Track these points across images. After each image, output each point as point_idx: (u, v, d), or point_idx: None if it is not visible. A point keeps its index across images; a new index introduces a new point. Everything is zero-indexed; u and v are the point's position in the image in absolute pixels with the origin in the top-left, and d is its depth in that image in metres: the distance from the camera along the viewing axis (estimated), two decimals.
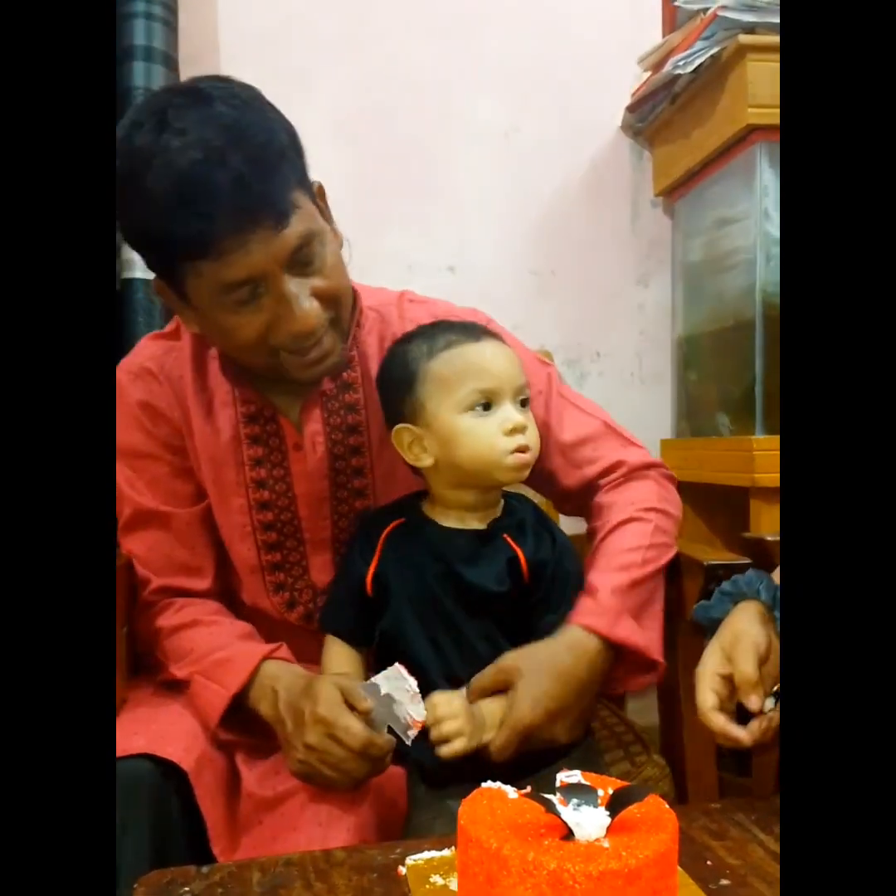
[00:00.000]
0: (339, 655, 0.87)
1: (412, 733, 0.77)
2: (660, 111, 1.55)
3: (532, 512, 0.88)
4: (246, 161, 0.73)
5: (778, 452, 1.28)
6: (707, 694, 0.72)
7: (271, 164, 0.76)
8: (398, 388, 0.84)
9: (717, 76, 1.36)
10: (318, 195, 0.86)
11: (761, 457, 1.29)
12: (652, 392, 1.69)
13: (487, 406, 0.81)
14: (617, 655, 0.84)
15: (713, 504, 1.55)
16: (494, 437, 0.81)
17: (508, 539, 0.84)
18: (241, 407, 0.93)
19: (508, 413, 0.82)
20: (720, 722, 0.71)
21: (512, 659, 0.80)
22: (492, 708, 0.79)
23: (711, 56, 1.34)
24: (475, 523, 0.85)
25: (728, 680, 0.72)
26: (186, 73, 1.45)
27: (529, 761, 0.79)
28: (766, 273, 1.34)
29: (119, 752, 0.75)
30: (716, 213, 1.49)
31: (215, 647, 0.88)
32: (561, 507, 1.07)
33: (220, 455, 0.93)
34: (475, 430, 0.81)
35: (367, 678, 0.82)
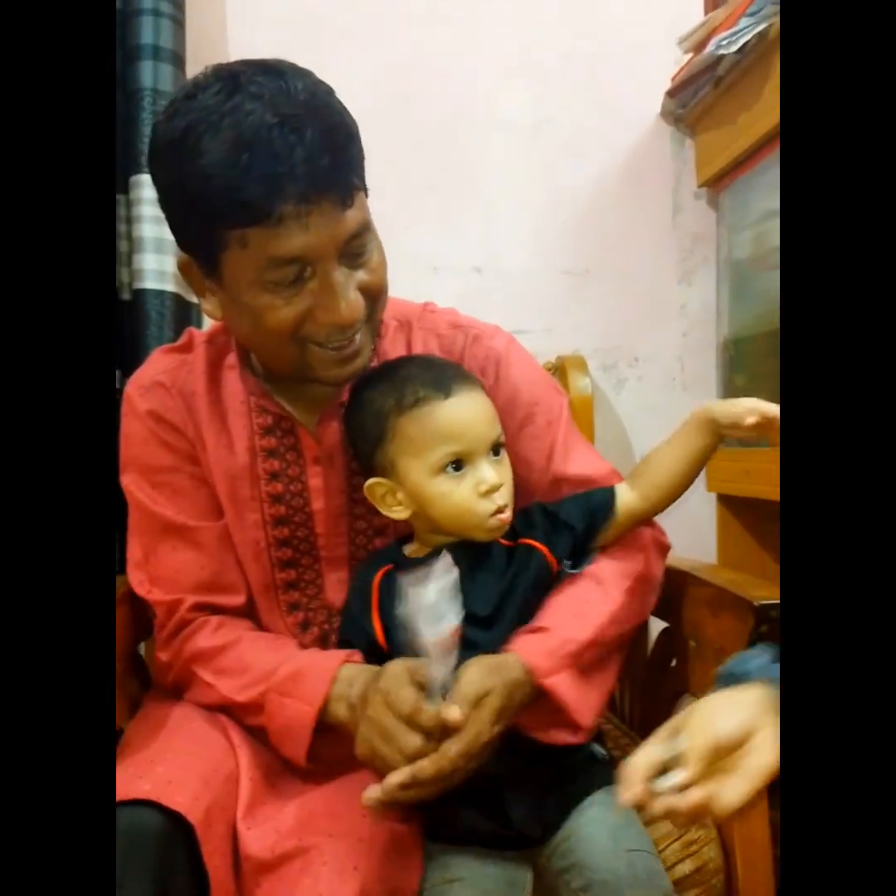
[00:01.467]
0: None
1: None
2: (702, 96, 1.46)
3: (533, 511, 0.89)
4: (319, 134, 0.73)
5: None
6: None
7: (341, 145, 0.75)
8: (367, 439, 0.84)
9: (764, 56, 1.28)
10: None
11: None
12: (695, 399, 1.60)
13: (460, 465, 0.80)
14: (541, 701, 0.80)
15: (763, 520, 1.47)
16: (470, 501, 0.80)
17: (502, 540, 0.84)
18: (257, 418, 0.91)
19: (483, 473, 0.81)
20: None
21: (478, 677, 0.76)
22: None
23: (758, 34, 1.26)
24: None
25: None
26: (195, 71, 1.39)
27: (545, 807, 0.79)
28: None
29: (121, 796, 0.70)
30: (764, 204, 1.39)
31: (278, 662, 0.84)
32: None
33: (234, 468, 0.90)
34: (450, 495, 0.81)
35: None
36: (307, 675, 0.81)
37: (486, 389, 0.89)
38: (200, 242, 0.78)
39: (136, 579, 0.92)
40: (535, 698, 0.80)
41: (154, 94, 1.33)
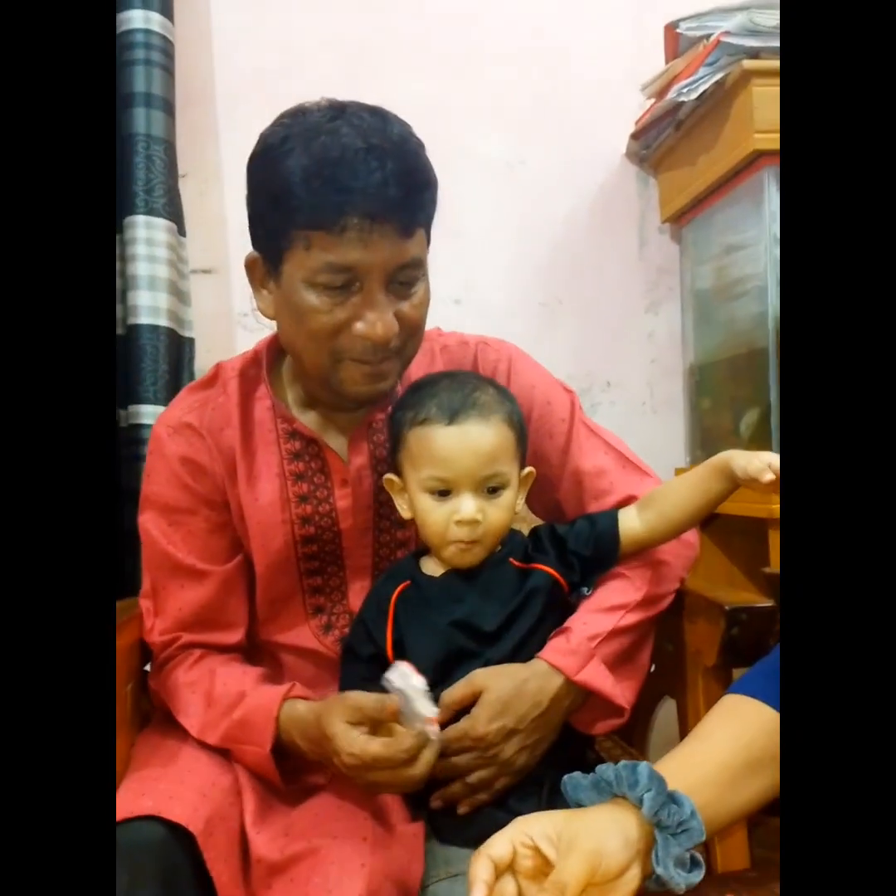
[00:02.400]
0: None
1: (432, 729, 0.76)
2: (664, 138, 1.53)
3: (545, 528, 0.91)
4: (401, 169, 0.80)
5: None
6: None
7: (415, 184, 0.83)
8: (392, 439, 0.89)
9: (721, 102, 1.35)
10: None
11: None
12: (664, 421, 1.66)
13: (445, 492, 0.83)
14: (586, 697, 0.85)
15: (732, 535, 1.52)
16: (444, 525, 0.83)
17: (515, 562, 0.87)
18: (285, 444, 0.95)
19: (463, 505, 0.83)
20: None
21: (482, 675, 0.82)
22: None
23: (715, 82, 1.33)
24: (474, 563, 0.87)
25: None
26: (184, 116, 1.45)
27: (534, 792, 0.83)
28: (778, 299, 1.31)
29: (125, 814, 0.73)
30: (724, 239, 1.46)
31: (233, 703, 0.87)
32: None
33: (265, 495, 0.94)
34: (430, 514, 0.84)
35: None
36: (253, 722, 0.85)
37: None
38: (270, 240, 0.84)
39: (145, 608, 0.96)
40: (579, 697, 0.85)
41: (147, 139, 1.38)
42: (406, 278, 0.84)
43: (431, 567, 0.89)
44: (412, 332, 0.87)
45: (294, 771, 0.86)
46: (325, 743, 0.78)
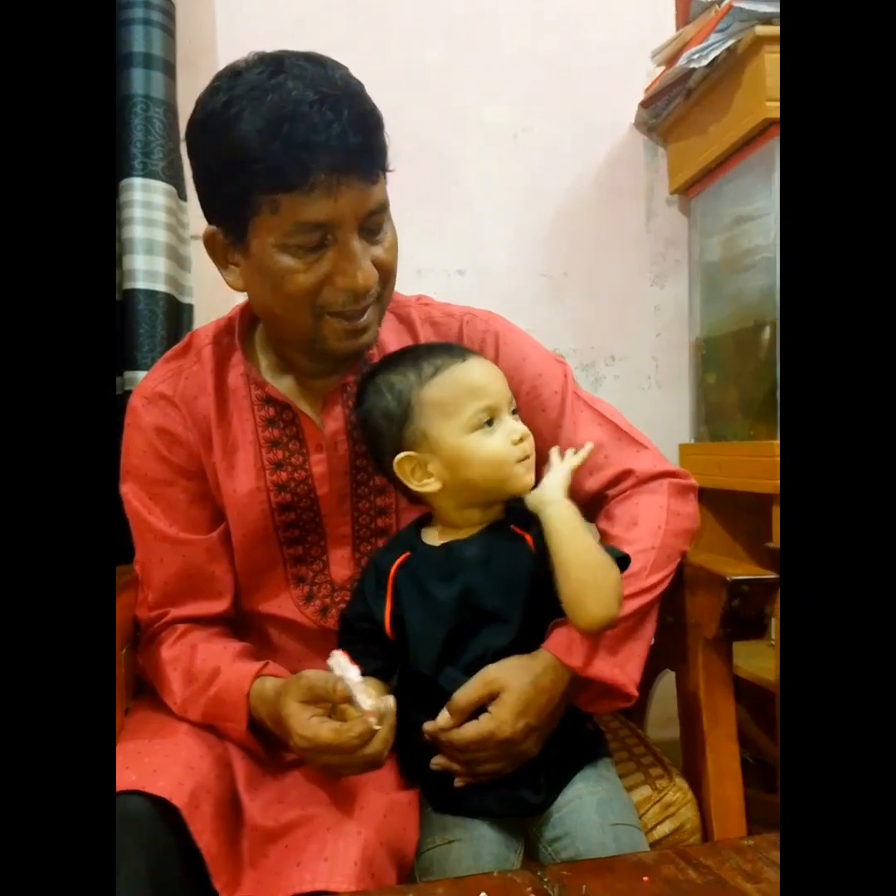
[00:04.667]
0: None
1: (372, 721, 0.74)
2: (674, 106, 1.51)
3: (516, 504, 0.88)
4: (354, 115, 0.78)
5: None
6: None
7: (371, 128, 0.81)
8: (392, 419, 0.83)
9: (733, 69, 1.33)
10: None
11: None
12: (669, 396, 1.65)
13: (491, 422, 0.82)
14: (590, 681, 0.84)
15: (736, 511, 1.51)
16: (505, 450, 0.81)
17: (515, 528, 0.84)
18: (259, 411, 0.94)
19: (512, 424, 0.83)
20: None
21: (496, 671, 0.81)
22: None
23: (727, 49, 1.31)
24: (476, 532, 0.85)
25: None
26: (184, 78, 1.42)
27: (539, 780, 0.82)
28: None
29: None
30: (733, 210, 1.45)
31: (209, 681, 0.87)
32: None
33: (240, 463, 0.93)
34: (485, 447, 0.81)
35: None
36: (226, 700, 0.85)
37: None
38: (231, 210, 0.81)
39: (139, 573, 0.96)
40: (585, 684, 0.83)
41: (145, 101, 1.35)
42: (374, 224, 0.84)
43: (433, 536, 0.87)
44: (387, 276, 0.87)
45: (280, 744, 0.85)
46: (282, 723, 0.78)
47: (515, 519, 0.85)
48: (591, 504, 0.96)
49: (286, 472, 0.93)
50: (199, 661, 0.89)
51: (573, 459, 0.84)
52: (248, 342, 0.97)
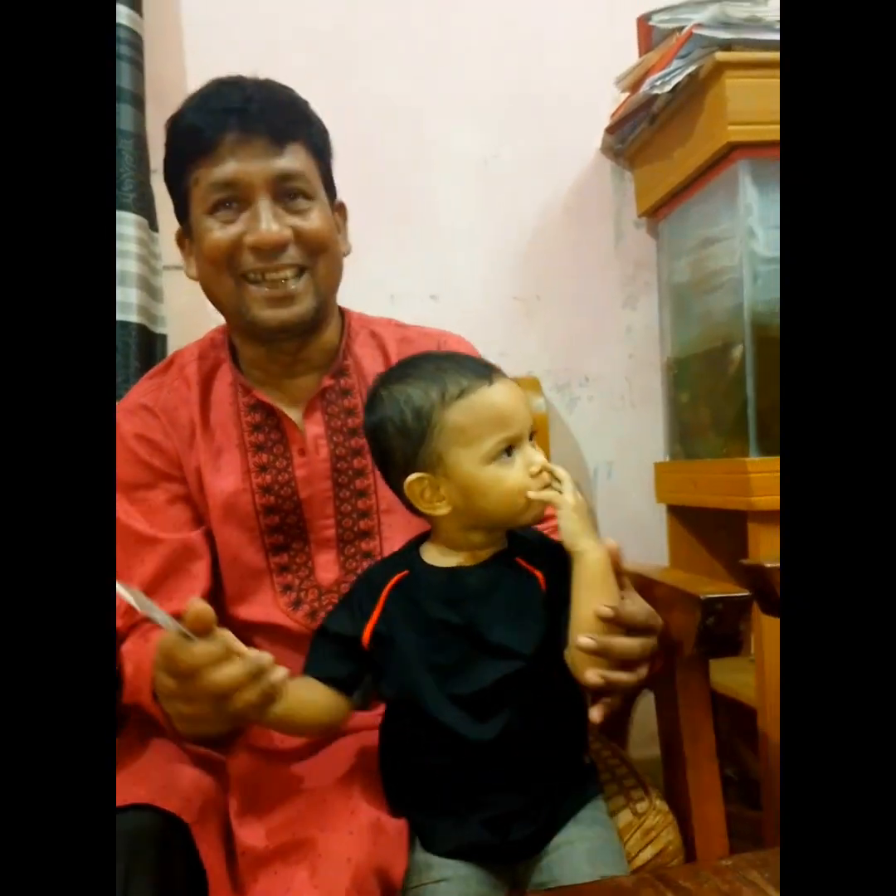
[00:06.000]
0: (315, 687, 0.81)
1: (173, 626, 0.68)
2: (639, 132, 1.54)
3: (536, 536, 0.85)
4: (260, 91, 0.90)
5: (773, 474, 1.25)
6: None
7: (279, 103, 0.91)
8: (407, 437, 0.78)
9: (695, 94, 1.35)
10: (338, 209, 1.00)
11: (757, 479, 1.26)
12: (643, 415, 1.66)
13: (510, 451, 0.78)
14: None
15: (712, 528, 1.53)
16: (523, 482, 0.77)
17: (522, 562, 0.81)
18: (245, 416, 0.97)
19: (531, 455, 0.78)
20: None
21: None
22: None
23: (689, 74, 1.33)
24: (482, 558, 0.82)
25: None
26: (153, 111, 1.43)
27: (537, 823, 0.79)
28: (753, 292, 1.31)
29: (121, 802, 0.72)
30: (700, 232, 1.47)
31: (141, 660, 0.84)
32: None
33: (225, 467, 0.96)
34: (503, 481, 0.77)
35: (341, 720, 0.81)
36: (141, 670, 0.81)
37: None
38: (178, 196, 0.94)
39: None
40: None
41: (117, 134, 1.37)
42: (291, 190, 0.90)
43: (434, 556, 0.83)
44: (316, 250, 0.92)
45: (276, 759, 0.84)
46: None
47: (521, 550, 0.82)
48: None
49: (271, 475, 0.96)
50: (148, 650, 0.84)
51: (568, 482, 0.79)
52: (235, 354, 1.01)
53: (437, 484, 0.78)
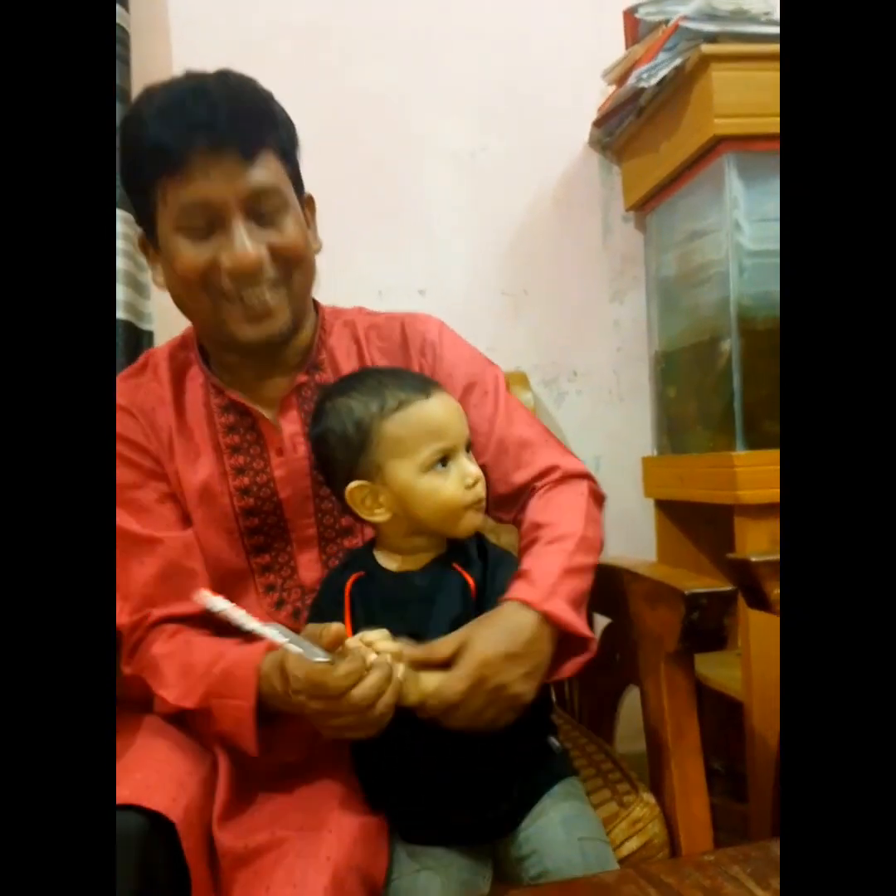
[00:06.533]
0: None
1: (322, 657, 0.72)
2: (626, 125, 1.53)
3: (474, 540, 0.88)
4: (228, 100, 0.84)
5: (760, 468, 1.26)
6: None
7: (252, 114, 0.86)
8: (349, 446, 0.83)
9: (681, 87, 1.35)
10: (306, 204, 0.96)
11: (743, 473, 1.26)
12: (631, 409, 1.66)
13: (444, 461, 0.82)
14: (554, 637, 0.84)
15: (699, 522, 1.53)
16: (458, 494, 0.82)
17: (458, 567, 0.85)
18: (220, 417, 0.96)
19: (466, 467, 0.83)
20: None
21: (462, 631, 0.79)
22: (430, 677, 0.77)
23: (675, 67, 1.33)
24: (425, 562, 0.86)
25: None
26: None
27: (511, 800, 0.81)
28: (739, 286, 1.31)
29: None
30: (687, 226, 1.46)
31: (213, 662, 0.85)
32: (495, 516, 1.06)
33: (203, 469, 0.94)
34: (439, 490, 0.82)
35: None
36: (236, 674, 0.82)
37: (427, 368, 0.97)
38: (141, 208, 0.89)
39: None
40: (551, 639, 0.82)
41: None
42: (268, 208, 0.86)
43: (384, 559, 0.87)
44: (291, 263, 0.89)
45: (268, 746, 0.83)
46: (286, 677, 0.76)
47: (458, 556, 0.86)
48: (518, 496, 0.98)
49: (248, 476, 0.95)
50: (198, 652, 0.87)
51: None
52: (205, 354, 0.99)
53: (376, 492, 0.83)
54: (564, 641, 0.84)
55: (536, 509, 0.95)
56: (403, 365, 0.98)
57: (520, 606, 0.82)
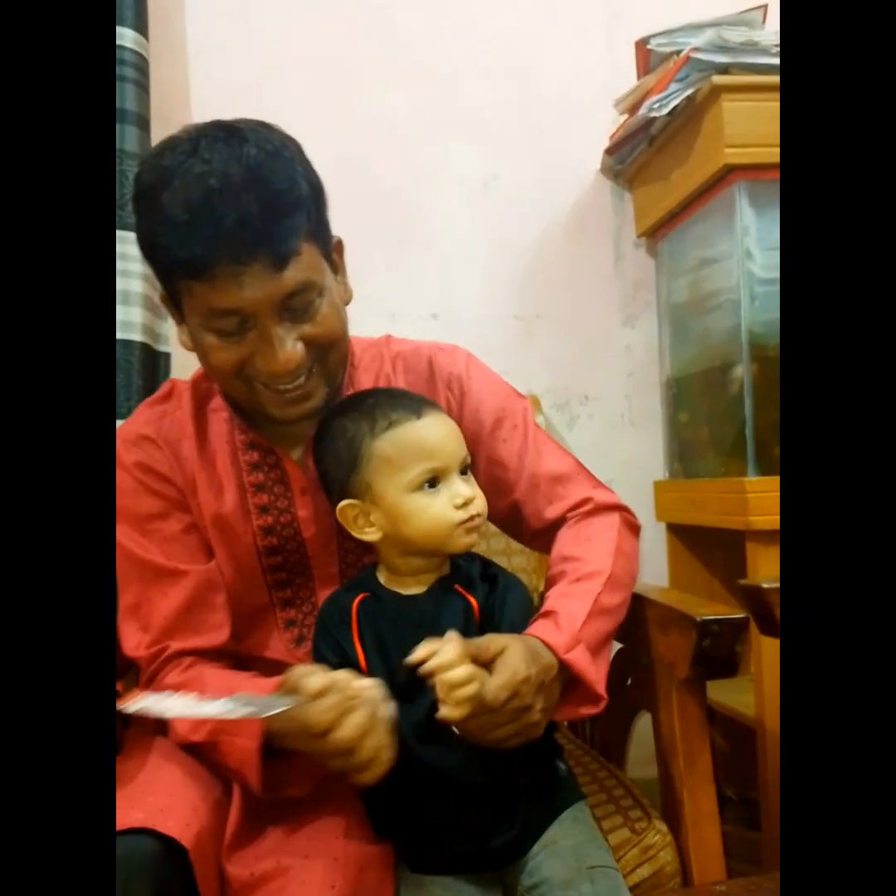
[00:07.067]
0: None
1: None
2: (638, 153, 1.55)
3: (477, 563, 0.88)
4: (258, 201, 0.77)
5: (772, 494, 1.26)
6: None
7: (282, 211, 0.79)
8: (341, 465, 0.84)
9: (692, 117, 1.36)
10: (335, 249, 0.90)
11: (755, 498, 1.26)
12: (643, 434, 1.67)
13: (434, 482, 0.82)
14: (566, 682, 0.83)
15: (711, 547, 1.53)
16: (445, 513, 0.82)
17: (460, 590, 0.84)
18: (244, 455, 0.94)
19: (457, 488, 0.83)
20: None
21: (498, 637, 0.78)
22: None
23: (686, 97, 1.35)
24: (428, 584, 0.86)
25: None
26: (158, 132, 1.45)
27: (516, 827, 0.79)
28: (750, 313, 1.32)
29: (117, 826, 0.70)
30: (698, 253, 1.48)
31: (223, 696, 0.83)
32: (528, 544, 1.07)
33: (226, 506, 0.93)
34: (426, 509, 0.82)
35: None
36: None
37: (454, 401, 0.96)
38: (166, 286, 0.85)
39: (126, 632, 0.92)
40: (563, 681, 0.81)
41: (120, 155, 1.38)
42: (300, 304, 0.83)
43: (386, 581, 0.87)
44: (326, 347, 0.86)
45: (275, 783, 0.83)
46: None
47: (460, 577, 0.86)
48: (552, 530, 0.97)
49: (272, 516, 0.94)
50: (211, 686, 0.86)
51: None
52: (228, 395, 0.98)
53: (367, 511, 0.84)
54: (575, 687, 0.83)
55: (565, 541, 0.94)
56: (430, 397, 0.95)
57: (542, 645, 0.80)
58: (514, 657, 0.75)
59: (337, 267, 0.91)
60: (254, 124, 0.82)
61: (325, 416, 0.89)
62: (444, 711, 0.71)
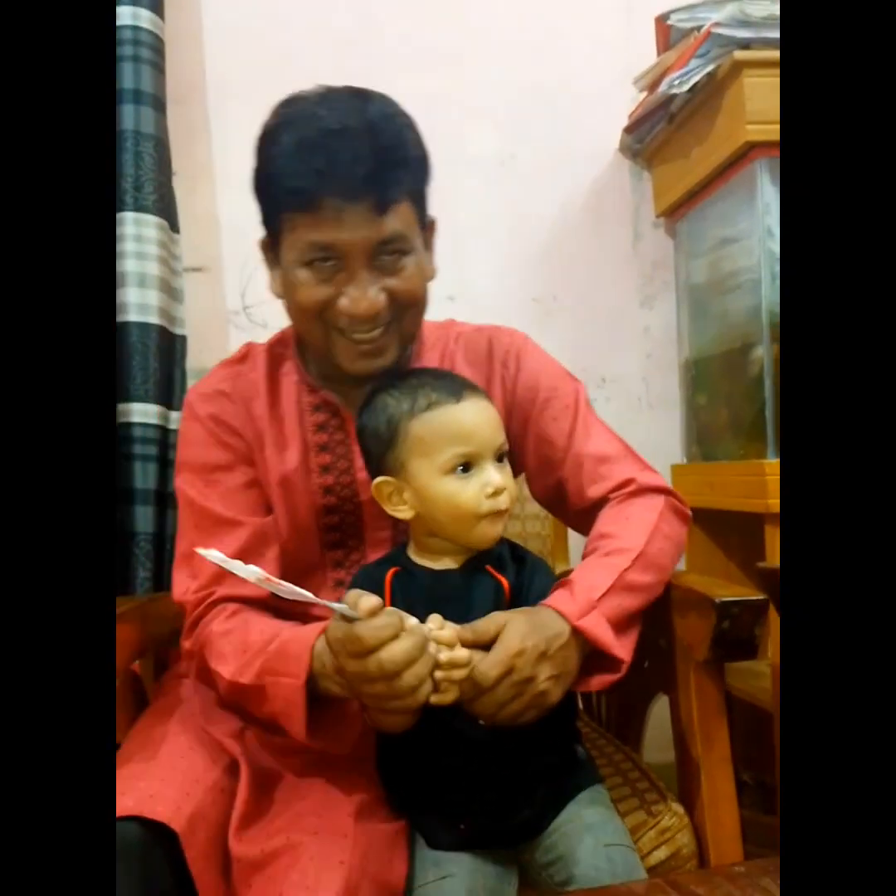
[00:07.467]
0: None
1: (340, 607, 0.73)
2: (658, 131, 1.53)
3: (506, 545, 0.88)
4: (371, 149, 0.82)
5: None
6: None
7: (391, 164, 0.84)
8: (379, 441, 0.85)
9: (713, 94, 1.35)
10: (428, 228, 0.96)
11: (774, 481, 1.25)
12: (661, 416, 1.66)
13: (467, 467, 0.82)
14: (585, 652, 0.83)
15: (728, 530, 1.52)
16: (475, 501, 0.82)
17: (491, 570, 0.85)
18: (310, 416, 0.98)
19: (489, 476, 0.82)
20: None
21: (500, 614, 0.79)
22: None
23: (707, 74, 1.33)
24: (460, 561, 0.86)
25: None
26: (175, 112, 1.45)
27: (534, 806, 0.80)
28: (771, 293, 1.30)
29: None
30: (718, 232, 1.46)
31: (269, 640, 0.85)
32: (571, 524, 1.08)
33: (290, 463, 0.96)
34: (457, 494, 0.82)
35: None
36: (289, 651, 0.82)
37: (508, 379, 0.99)
38: (267, 223, 0.90)
39: (178, 579, 0.94)
40: (581, 651, 0.81)
41: (136, 136, 1.38)
42: (390, 256, 0.87)
43: (418, 557, 0.87)
44: (406, 305, 0.89)
45: (317, 732, 0.82)
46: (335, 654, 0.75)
47: (490, 558, 0.86)
48: (594, 510, 0.97)
49: (333, 475, 0.97)
50: (256, 632, 0.87)
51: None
52: (302, 352, 1.01)
53: (401, 488, 0.85)
54: (597, 656, 0.83)
55: (604, 519, 0.94)
56: (487, 374, 0.99)
57: (555, 614, 0.81)
58: (509, 632, 0.76)
59: (427, 242, 0.96)
60: (381, 94, 0.89)
61: (372, 389, 0.89)
62: (434, 697, 0.72)
